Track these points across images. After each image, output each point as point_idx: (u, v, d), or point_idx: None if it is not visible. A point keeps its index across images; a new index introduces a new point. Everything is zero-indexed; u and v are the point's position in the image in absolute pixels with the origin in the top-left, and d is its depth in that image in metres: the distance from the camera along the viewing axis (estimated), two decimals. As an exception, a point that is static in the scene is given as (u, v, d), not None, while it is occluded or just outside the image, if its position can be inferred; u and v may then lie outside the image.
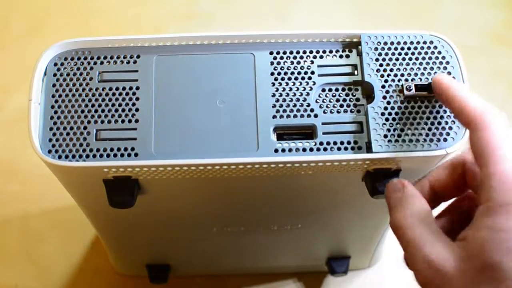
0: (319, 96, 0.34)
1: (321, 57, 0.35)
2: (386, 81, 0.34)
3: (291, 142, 0.33)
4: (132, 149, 0.33)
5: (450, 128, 0.33)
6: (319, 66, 0.34)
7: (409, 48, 0.34)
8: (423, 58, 0.34)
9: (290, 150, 0.33)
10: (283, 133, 0.33)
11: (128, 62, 0.34)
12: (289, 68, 0.34)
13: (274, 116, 0.33)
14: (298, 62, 0.34)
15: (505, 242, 0.27)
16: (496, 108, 0.30)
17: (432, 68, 0.34)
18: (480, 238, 0.27)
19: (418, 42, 0.34)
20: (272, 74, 0.34)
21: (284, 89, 0.34)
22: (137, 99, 0.33)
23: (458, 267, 0.28)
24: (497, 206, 0.27)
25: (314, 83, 0.34)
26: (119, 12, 0.71)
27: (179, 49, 0.35)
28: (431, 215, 0.31)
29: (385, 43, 0.34)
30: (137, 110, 0.33)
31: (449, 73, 0.34)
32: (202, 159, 0.32)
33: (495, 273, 0.26)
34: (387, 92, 0.33)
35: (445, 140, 0.33)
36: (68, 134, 0.33)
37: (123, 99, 0.33)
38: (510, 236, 0.27)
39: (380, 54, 0.34)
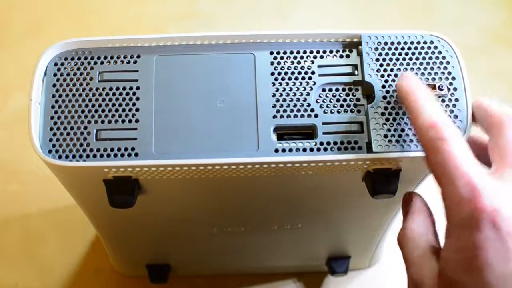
0: (320, 96, 0.34)
1: (322, 57, 0.35)
2: (386, 81, 0.34)
3: (291, 142, 0.33)
4: (133, 149, 0.33)
5: (451, 128, 0.33)
6: (319, 66, 0.34)
7: (409, 48, 0.34)
8: (424, 58, 0.34)
9: (290, 150, 0.33)
10: (283, 133, 0.33)
11: (128, 62, 0.34)
12: (289, 68, 0.34)
13: (274, 116, 0.33)
14: (299, 62, 0.34)
15: (463, 261, 0.27)
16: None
17: (432, 68, 0.34)
18: (444, 257, 0.28)
19: (418, 42, 0.34)
20: (272, 74, 0.34)
21: (284, 89, 0.34)
22: (138, 99, 0.33)
23: (433, 285, 0.29)
24: (452, 226, 0.28)
25: (315, 83, 0.34)
26: (119, 12, 0.71)
27: (179, 49, 0.35)
28: (429, 231, 0.32)
29: (386, 43, 0.34)
30: (137, 110, 0.33)
31: (449, 73, 0.34)
32: (202, 159, 0.32)
33: None
34: (388, 92, 0.33)
35: (445, 140, 0.33)
36: (68, 134, 0.33)
37: (124, 99, 0.33)
38: (466, 255, 0.27)
39: (380, 54, 0.34)
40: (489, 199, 0.27)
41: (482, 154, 0.30)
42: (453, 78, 0.34)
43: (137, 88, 0.34)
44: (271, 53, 0.34)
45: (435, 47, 0.34)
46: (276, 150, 0.33)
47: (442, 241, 0.30)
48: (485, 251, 0.26)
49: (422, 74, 0.34)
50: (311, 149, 0.33)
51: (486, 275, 0.26)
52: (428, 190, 0.35)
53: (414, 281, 0.30)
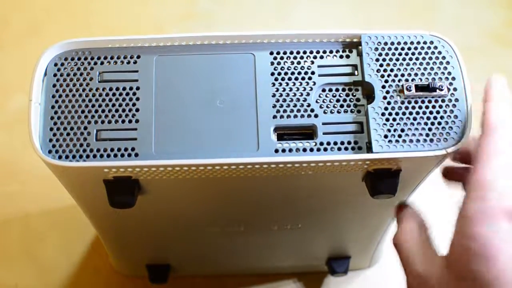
0: (319, 96, 0.34)
1: (321, 57, 0.35)
2: (386, 81, 0.34)
3: (291, 142, 0.33)
4: (133, 149, 0.33)
5: (450, 128, 0.33)
6: (319, 66, 0.34)
7: (409, 48, 0.34)
8: (423, 58, 0.34)
9: (290, 150, 0.33)
10: (283, 133, 0.33)
11: (128, 62, 0.34)
12: (289, 68, 0.34)
13: (274, 116, 0.33)
14: (299, 62, 0.34)
15: (479, 251, 0.27)
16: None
17: (432, 68, 0.34)
18: (458, 247, 0.28)
19: (418, 42, 0.34)
20: (272, 74, 0.34)
21: (284, 89, 0.34)
22: (138, 99, 0.33)
23: (440, 278, 0.29)
24: (470, 214, 0.28)
25: (314, 83, 0.34)
26: (119, 12, 0.71)
27: (179, 49, 0.35)
28: (424, 231, 0.33)
29: (385, 43, 0.34)
30: (137, 110, 0.33)
31: (449, 73, 0.34)
32: (202, 159, 0.32)
33: (473, 282, 0.27)
34: (387, 92, 0.33)
35: (445, 140, 0.33)
36: (68, 134, 0.33)
37: (124, 99, 0.33)
38: (483, 244, 0.27)
39: (380, 54, 0.34)
40: (508, 198, 0.28)
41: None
42: (453, 78, 0.34)
43: (137, 88, 0.34)
44: (271, 53, 0.34)
45: (435, 47, 0.34)
46: (276, 150, 0.33)
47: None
48: (500, 245, 0.27)
49: (422, 74, 0.34)
50: (311, 149, 0.33)
51: (500, 267, 0.27)
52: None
53: (420, 275, 0.30)
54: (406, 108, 0.33)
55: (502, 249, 0.27)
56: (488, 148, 0.29)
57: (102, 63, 0.34)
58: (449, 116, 0.33)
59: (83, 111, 0.33)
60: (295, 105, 0.34)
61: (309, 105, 0.34)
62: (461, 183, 0.36)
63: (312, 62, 0.34)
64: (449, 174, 0.36)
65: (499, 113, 0.30)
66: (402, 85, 0.33)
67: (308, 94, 0.34)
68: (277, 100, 0.34)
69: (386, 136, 0.33)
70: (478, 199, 0.28)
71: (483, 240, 0.27)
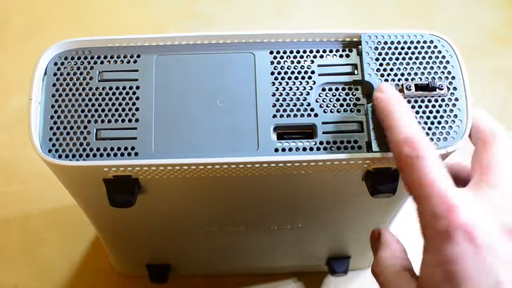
0: (319, 95, 0.34)
1: (321, 56, 0.35)
2: (386, 80, 0.34)
3: (291, 141, 0.33)
4: (133, 148, 0.33)
5: (450, 127, 0.33)
6: (319, 65, 0.34)
7: (409, 48, 0.34)
8: (423, 58, 0.34)
9: (290, 149, 0.33)
10: (283, 133, 0.33)
11: (128, 62, 0.34)
12: (289, 67, 0.34)
13: (274, 116, 0.33)
14: (298, 62, 0.34)
15: (444, 278, 0.27)
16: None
17: (432, 68, 0.34)
18: (424, 274, 0.29)
19: (418, 42, 0.34)
20: (272, 73, 0.34)
21: (284, 89, 0.34)
22: (137, 98, 0.33)
23: None
24: (429, 242, 0.28)
25: (314, 82, 0.34)
26: (119, 12, 0.71)
27: (179, 49, 0.35)
28: (402, 257, 0.33)
29: (385, 43, 0.34)
30: (137, 109, 0.33)
31: (449, 72, 0.34)
32: (202, 158, 0.32)
33: None
34: (387, 91, 0.33)
35: (445, 139, 0.33)
36: (68, 133, 0.33)
37: (123, 99, 0.33)
38: (446, 271, 0.27)
39: (380, 54, 0.34)
40: (465, 215, 0.27)
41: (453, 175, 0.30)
42: (453, 78, 0.34)
43: (137, 87, 0.34)
44: (271, 52, 0.34)
45: (435, 47, 0.34)
46: (276, 150, 0.33)
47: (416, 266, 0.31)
48: (463, 264, 0.27)
49: (422, 73, 0.34)
50: (311, 149, 0.33)
51: (468, 286, 0.27)
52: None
53: None
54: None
55: (464, 270, 0.27)
56: (416, 180, 0.28)
57: (102, 62, 0.34)
58: (449, 115, 0.33)
59: (83, 110, 0.33)
60: (295, 104, 0.34)
61: (309, 104, 0.34)
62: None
63: (312, 62, 0.34)
64: None
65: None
66: (402, 85, 0.33)
67: (308, 94, 0.34)
68: (277, 99, 0.34)
69: (386, 136, 0.33)
70: (429, 228, 0.28)
71: (446, 266, 0.27)
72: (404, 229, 0.42)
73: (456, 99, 0.33)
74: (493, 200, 0.29)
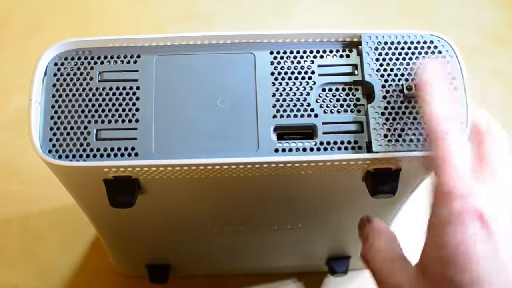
0: (319, 96, 0.34)
1: (321, 57, 0.35)
2: (386, 80, 0.34)
3: (291, 142, 0.33)
4: (133, 148, 0.33)
5: (450, 128, 0.33)
6: (319, 66, 0.34)
7: (409, 48, 0.34)
8: (423, 58, 0.34)
9: (290, 150, 0.33)
10: (283, 133, 0.33)
11: (128, 62, 0.34)
12: (289, 68, 0.34)
13: (274, 116, 0.33)
14: (299, 62, 0.34)
15: (451, 258, 0.27)
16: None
17: (432, 68, 0.34)
18: (430, 255, 0.29)
19: (418, 42, 0.34)
20: (272, 74, 0.34)
21: (284, 89, 0.34)
22: (138, 99, 0.33)
23: (416, 285, 0.29)
24: (438, 220, 0.28)
25: (314, 82, 0.34)
26: (119, 12, 0.71)
27: (179, 49, 0.35)
28: (395, 244, 0.33)
29: (386, 43, 0.34)
30: (137, 110, 0.33)
31: (449, 73, 0.34)
32: (202, 159, 0.32)
33: (450, 286, 0.27)
34: (388, 92, 0.33)
35: (445, 140, 0.33)
36: (68, 133, 0.33)
37: (124, 99, 0.33)
38: (454, 251, 0.27)
39: (380, 54, 0.34)
40: (478, 200, 0.28)
41: None
42: (453, 78, 0.34)
43: (137, 88, 0.34)
44: (271, 53, 0.34)
45: (435, 47, 0.34)
46: (276, 150, 0.33)
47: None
48: (473, 246, 0.27)
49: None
50: (311, 149, 0.33)
51: (476, 268, 0.27)
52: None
53: (395, 285, 0.31)
54: (406, 107, 0.33)
55: (473, 252, 0.27)
56: (442, 155, 0.29)
57: (102, 62, 0.34)
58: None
59: (83, 111, 0.33)
60: (295, 105, 0.34)
61: (309, 105, 0.34)
62: None
63: (312, 62, 0.34)
64: None
65: (443, 115, 0.30)
66: (402, 85, 0.33)
67: (308, 94, 0.34)
68: (277, 100, 0.34)
69: (386, 136, 0.33)
70: (442, 206, 0.28)
71: (454, 247, 0.27)
72: (404, 229, 0.42)
73: (456, 99, 0.33)
74: (494, 189, 0.30)
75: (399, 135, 0.33)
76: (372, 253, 0.33)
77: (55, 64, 0.34)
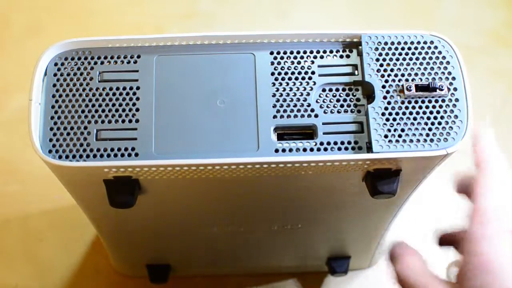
0: (320, 96, 0.34)
1: (322, 57, 0.35)
2: (386, 81, 0.34)
3: (292, 142, 0.33)
4: (133, 149, 0.33)
5: (451, 128, 0.33)
6: (319, 66, 0.34)
7: (409, 48, 0.34)
8: (424, 58, 0.34)
9: (290, 150, 0.33)
10: (284, 133, 0.33)
11: (128, 62, 0.34)
12: (289, 68, 0.34)
13: (275, 116, 0.33)
14: (299, 62, 0.34)
15: (483, 266, 0.30)
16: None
17: (432, 68, 0.34)
18: (465, 265, 0.31)
19: (418, 42, 0.34)
20: (272, 74, 0.34)
21: (284, 89, 0.34)
22: (138, 99, 0.33)
23: None
24: (474, 237, 0.31)
25: (315, 83, 0.34)
26: (119, 12, 0.71)
27: (179, 49, 0.35)
28: (426, 263, 0.35)
29: (386, 43, 0.34)
30: (137, 110, 0.33)
31: (449, 73, 0.34)
32: (202, 159, 0.32)
33: None
34: (388, 92, 0.33)
35: (445, 140, 0.33)
36: (68, 134, 0.33)
37: (124, 99, 0.33)
38: (486, 260, 0.30)
39: (380, 54, 0.34)
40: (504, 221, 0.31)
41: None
42: (453, 78, 0.34)
43: (137, 88, 0.34)
44: (271, 53, 0.34)
45: (435, 47, 0.34)
46: (276, 150, 0.33)
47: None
48: (501, 255, 0.30)
49: (422, 74, 0.34)
50: (311, 149, 0.33)
51: (503, 274, 0.29)
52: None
53: None
54: (406, 108, 0.33)
55: (504, 263, 0.30)
56: (484, 183, 0.32)
57: (102, 63, 0.34)
58: (449, 116, 0.33)
59: (83, 111, 0.33)
60: (295, 105, 0.34)
61: (309, 105, 0.34)
62: (452, 246, 0.37)
63: (312, 62, 0.34)
64: (443, 241, 0.38)
65: (489, 152, 0.33)
66: (402, 85, 0.33)
67: (308, 94, 0.34)
68: (277, 100, 0.34)
69: (386, 136, 0.33)
70: (479, 224, 0.31)
71: (486, 256, 0.30)
72: (404, 229, 0.42)
73: (457, 100, 0.33)
74: None
75: (399, 135, 0.33)
76: (407, 270, 0.34)
77: (55, 64, 0.34)
